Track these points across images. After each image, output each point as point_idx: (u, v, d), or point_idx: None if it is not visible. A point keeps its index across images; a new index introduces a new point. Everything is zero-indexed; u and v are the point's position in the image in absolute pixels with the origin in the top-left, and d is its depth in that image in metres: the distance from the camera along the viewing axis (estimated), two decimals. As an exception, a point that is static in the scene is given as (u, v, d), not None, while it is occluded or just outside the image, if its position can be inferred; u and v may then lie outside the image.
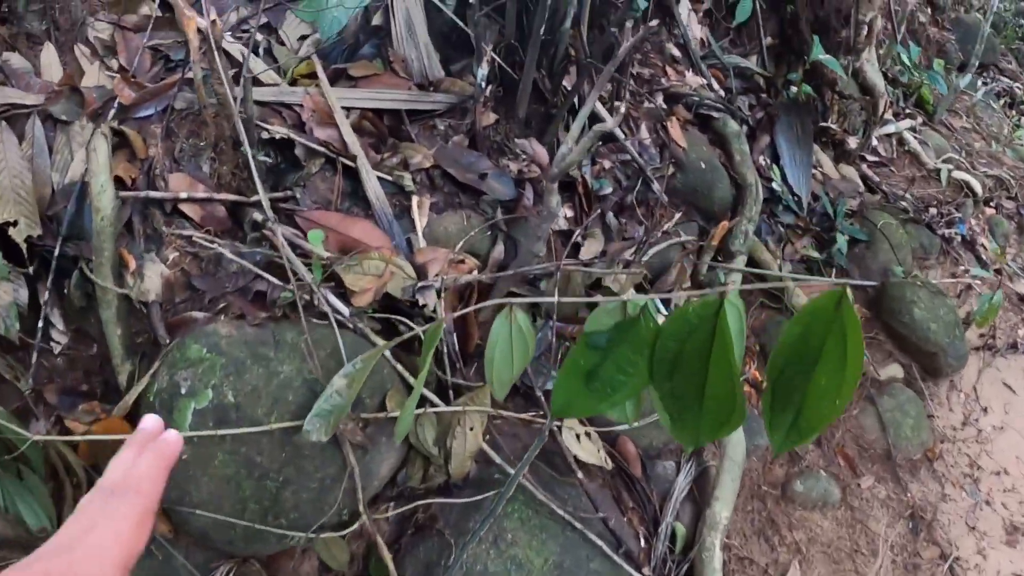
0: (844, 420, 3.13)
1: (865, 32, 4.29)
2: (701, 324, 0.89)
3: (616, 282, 2.61)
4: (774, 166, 3.64)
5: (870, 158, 4.41)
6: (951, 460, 3.30)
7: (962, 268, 4.01)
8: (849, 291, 0.83)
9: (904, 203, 4.10)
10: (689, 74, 3.53)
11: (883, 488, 3.06)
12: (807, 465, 2.94)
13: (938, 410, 3.43)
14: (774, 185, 3.55)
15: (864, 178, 4.23)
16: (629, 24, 2.60)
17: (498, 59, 2.70)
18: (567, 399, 1.05)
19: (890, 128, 4.69)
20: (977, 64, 5.19)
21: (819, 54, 3.68)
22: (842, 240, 3.47)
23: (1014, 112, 5.81)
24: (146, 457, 0.85)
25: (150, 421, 0.92)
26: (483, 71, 2.63)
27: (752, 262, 3.27)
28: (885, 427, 3.13)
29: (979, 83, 5.75)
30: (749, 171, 3.24)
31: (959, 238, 4.11)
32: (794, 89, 3.74)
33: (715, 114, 3.37)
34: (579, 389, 1.04)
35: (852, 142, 4.04)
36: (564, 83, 2.85)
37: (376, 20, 2.82)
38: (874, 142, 4.57)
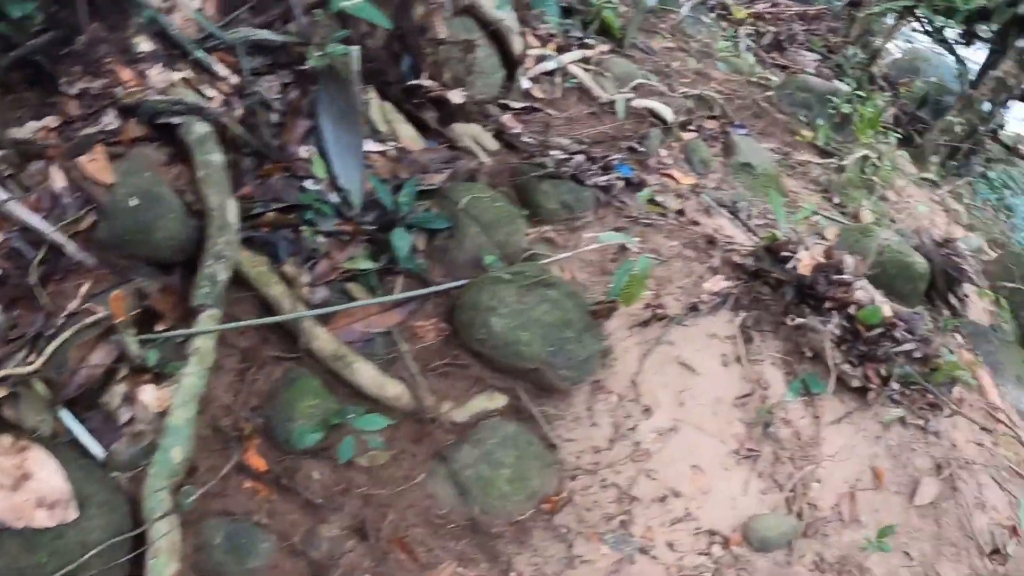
0: (403, 493, 2.25)
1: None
2: None
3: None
4: (317, 157, 2.73)
5: (515, 106, 3.52)
6: (587, 502, 2.43)
7: (626, 219, 3.15)
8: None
9: (549, 156, 3.22)
10: (155, 71, 2.60)
11: (470, 575, 2.19)
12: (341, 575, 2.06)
13: (572, 431, 2.56)
14: (308, 184, 2.65)
15: (500, 134, 3.35)
16: None
17: None
18: None
19: (550, 64, 3.81)
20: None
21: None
22: (403, 238, 2.57)
23: (728, 24, 4.99)
24: None
25: None
26: None
27: (263, 303, 2.38)
28: (464, 489, 2.26)
29: None
30: (214, 189, 2.32)
31: (622, 183, 3.24)
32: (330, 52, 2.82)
33: (176, 119, 2.45)
34: None
35: (457, 96, 3.14)
36: None
37: None
38: (526, 84, 3.69)
